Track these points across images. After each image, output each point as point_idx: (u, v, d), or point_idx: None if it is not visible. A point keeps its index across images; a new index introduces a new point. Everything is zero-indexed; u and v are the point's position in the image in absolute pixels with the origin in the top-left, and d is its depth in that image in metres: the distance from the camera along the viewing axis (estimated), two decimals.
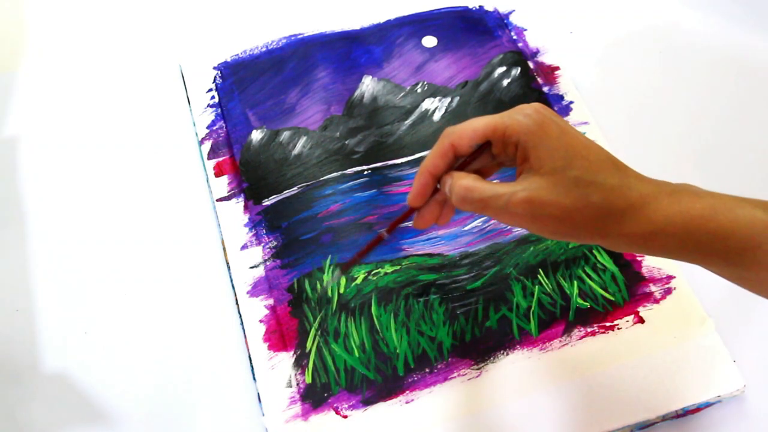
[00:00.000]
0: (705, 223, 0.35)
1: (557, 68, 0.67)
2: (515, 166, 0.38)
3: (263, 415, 0.49)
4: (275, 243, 0.56)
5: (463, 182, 0.38)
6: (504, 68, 0.66)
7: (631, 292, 0.54)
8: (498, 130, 0.37)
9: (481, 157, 0.40)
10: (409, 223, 0.42)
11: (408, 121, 0.63)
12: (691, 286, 0.54)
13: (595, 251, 0.56)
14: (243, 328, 0.53)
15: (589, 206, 0.35)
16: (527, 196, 0.36)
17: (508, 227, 0.57)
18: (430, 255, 0.56)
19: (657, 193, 0.36)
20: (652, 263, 0.55)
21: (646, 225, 0.36)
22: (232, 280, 0.55)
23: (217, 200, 0.59)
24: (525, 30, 0.70)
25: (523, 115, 0.37)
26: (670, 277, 0.54)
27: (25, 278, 0.56)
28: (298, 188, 0.59)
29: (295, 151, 0.61)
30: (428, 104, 0.64)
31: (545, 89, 0.65)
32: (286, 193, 0.59)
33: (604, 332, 0.52)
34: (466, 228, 0.57)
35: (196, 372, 0.52)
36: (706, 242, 0.35)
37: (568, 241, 0.37)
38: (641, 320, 0.53)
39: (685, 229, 0.35)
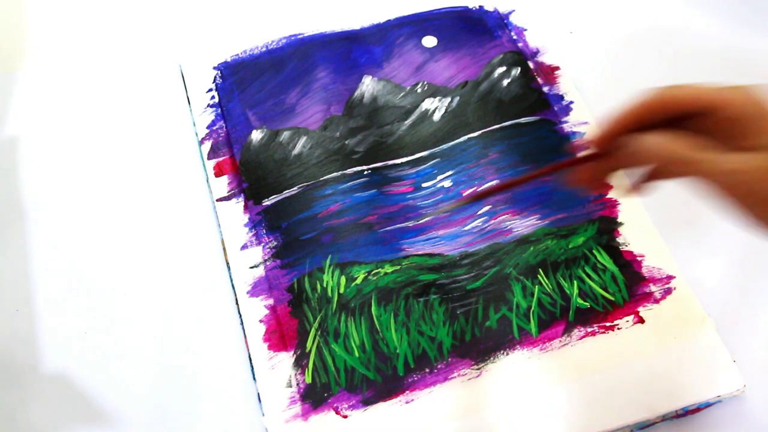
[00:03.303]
0: None
1: (557, 68, 0.67)
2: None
3: (263, 415, 0.49)
4: (275, 243, 0.56)
5: (675, 145, 0.36)
6: (504, 68, 0.66)
7: (631, 292, 0.54)
8: (717, 104, 0.36)
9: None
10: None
11: (408, 121, 0.63)
12: (691, 286, 0.54)
13: (595, 251, 0.56)
14: (243, 328, 0.53)
15: None
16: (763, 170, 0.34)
17: (508, 227, 0.57)
18: (430, 255, 0.56)
19: None
20: (652, 263, 0.55)
21: None
22: (232, 280, 0.55)
23: (217, 200, 0.59)
24: (525, 30, 0.70)
25: (747, 91, 0.36)
26: (670, 277, 0.54)
27: (25, 278, 0.56)
28: (298, 188, 0.59)
29: (295, 151, 0.61)
30: (428, 104, 0.64)
31: (545, 89, 0.65)
32: (286, 193, 0.59)
33: (604, 332, 0.52)
34: (466, 228, 0.57)
35: (196, 372, 0.52)
36: None
37: None
38: (641, 320, 0.53)
39: None
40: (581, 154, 0.39)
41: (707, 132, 0.37)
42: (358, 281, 0.54)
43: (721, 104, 0.36)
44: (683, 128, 0.37)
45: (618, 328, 0.52)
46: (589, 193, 0.41)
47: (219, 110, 0.64)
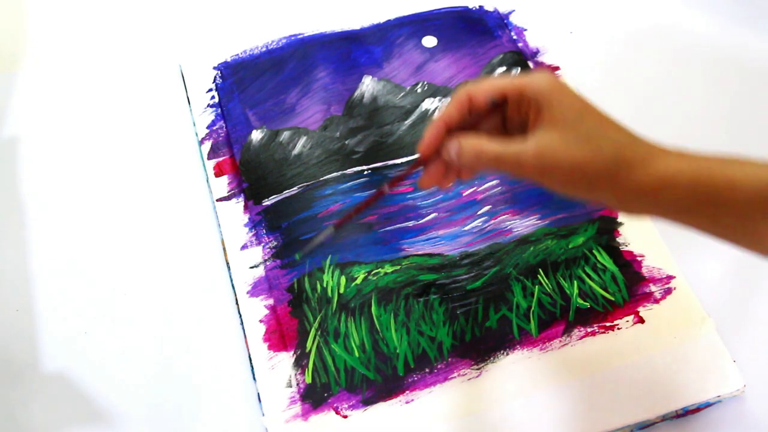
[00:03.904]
0: (713, 176, 0.36)
1: (557, 68, 0.67)
2: (522, 130, 0.40)
3: (263, 415, 0.49)
4: (275, 243, 0.56)
5: (475, 141, 0.39)
6: (504, 68, 0.66)
7: (631, 292, 0.54)
8: (516, 88, 0.39)
9: (490, 120, 0.41)
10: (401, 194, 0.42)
11: (408, 121, 0.63)
12: (691, 286, 0.54)
13: (595, 251, 0.56)
14: (243, 328, 0.53)
15: (600, 156, 0.37)
16: (539, 149, 0.37)
17: (508, 227, 0.57)
18: (430, 255, 0.56)
19: (666, 151, 0.37)
20: (652, 263, 0.55)
21: (656, 176, 0.36)
22: (232, 280, 0.55)
23: (217, 200, 0.59)
24: (525, 30, 0.70)
25: (542, 77, 0.39)
26: (670, 277, 0.54)
27: (25, 278, 0.55)
28: (298, 188, 0.59)
29: (295, 151, 0.61)
30: (428, 104, 0.64)
31: None
32: (286, 193, 0.59)
33: (604, 332, 0.52)
34: (466, 228, 0.57)
35: (196, 372, 0.52)
36: (714, 194, 0.36)
37: (579, 196, 0.38)
38: (641, 320, 0.53)
39: (694, 180, 0.36)
40: (413, 163, 0.42)
41: (519, 117, 0.40)
42: (358, 281, 0.54)
43: (520, 88, 0.39)
44: (504, 117, 0.41)
45: (618, 328, 0.52)
46: (444, 191, 0.44)
47: (219, 110, 0.64)
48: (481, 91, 0.40)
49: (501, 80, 0.40)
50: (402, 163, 0.61)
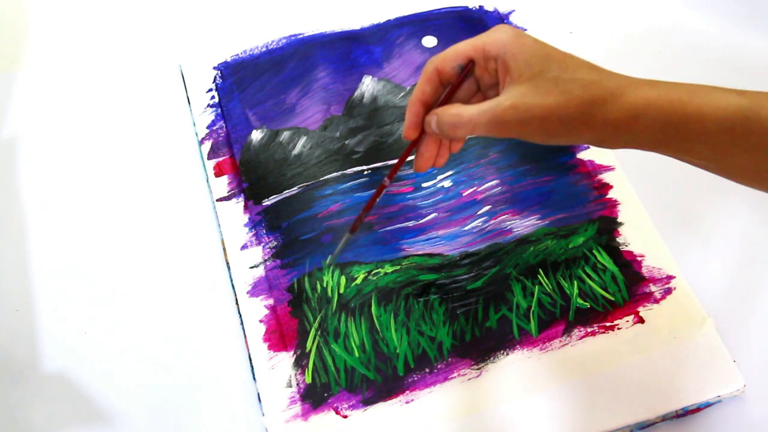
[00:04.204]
0: (683, 105, 0.37)
1: None
2: (497, 88, 0.41)
3: (263, 415, 0.49)
4: (275, 243, 0.56)
5: (450, 110, 0.41)
6: None
7: (631, 292, 0.54)
8: (478, 48, 0.40)
9: (465, 86, 0.42)
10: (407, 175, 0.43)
11: None
12: (691, 286, 0.54)
13: (595, 251, 0.56)
14: (243, 328, 0.53)
15: (573, 99, 0.37)
16: (512, 102, 0.38)
17: (508, 227, 0.57)
18: (430, 255, 0.56)
19: (635, 82, 0.38)
20: (652, 263, 0.55)
21: (628, 109, 0.37)
22: (232, 280, 0.55)
23: (217, 200, 0.59)
24: (525, 30, 0.70)
25: (501, 31, 0.40)
26: (670, 277, 0.54)
27: (25, 278, 0.55)
28: (298, 188, 0.59)
29: (295, 151, 0.61)
30: None
31: None
32: (286, 193, 0.59)
33: (604, 332, 0.52)
34: (466, 228, 0.57)
35: (196, 372, 0.52)
36: (685, 123, 0.37)
37: (558, 142, 0.39)
38: (641, 320, 0.53)
39: (664, 111, 0.37)
40: (406, 150, 0.44)
41: (489, 75, 0.41)
42: (358, 281, 0.54)
43: (482, 48, 0.40)
44: (477, 81, 0.42)
45: (618, 328, 0.52)
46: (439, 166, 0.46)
47: (219, 110, 0.64)
48: (447, 60, 0.41)
49: (463, 45, 0.41)
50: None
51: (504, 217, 0.58)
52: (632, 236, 0.57)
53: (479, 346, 0.52)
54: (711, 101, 0.36)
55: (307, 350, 0.52)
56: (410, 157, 0.45)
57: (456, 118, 0.40)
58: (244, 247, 0.56)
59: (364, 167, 0.60)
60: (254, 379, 0.51)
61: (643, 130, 0.38)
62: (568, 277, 0.55)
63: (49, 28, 0.71)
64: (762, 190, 0.40)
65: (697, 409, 0.50)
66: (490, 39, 0.40)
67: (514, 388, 0.50)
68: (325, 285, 0.54)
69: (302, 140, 0.62)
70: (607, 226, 0.57)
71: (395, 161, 0.62)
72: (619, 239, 0.57)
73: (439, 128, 0.41)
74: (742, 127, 0.36)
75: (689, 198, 0.60)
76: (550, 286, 0.54)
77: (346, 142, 0.62)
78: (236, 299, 0.54)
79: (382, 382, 0.50)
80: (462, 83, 0.42)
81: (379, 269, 0.55)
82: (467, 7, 0.71)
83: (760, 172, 0.38)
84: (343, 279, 0.54)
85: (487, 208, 0.58)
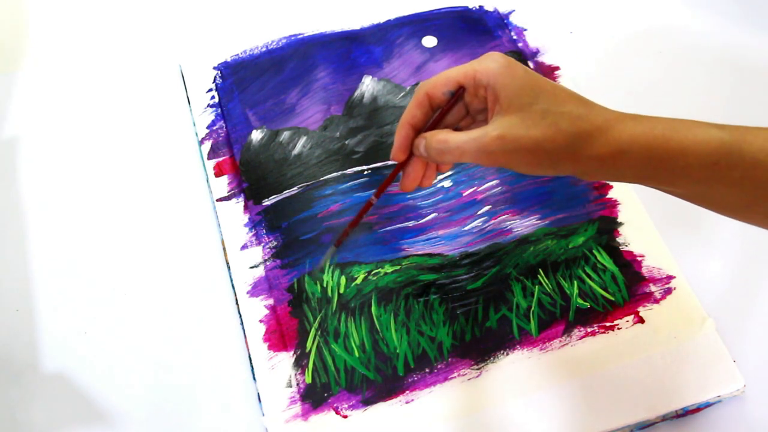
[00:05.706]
0: (666, 140, 0.37)
1: (557, 68, 0.67)
2: (486, 113, 0.41)
3: (263, 415, 0.49)
4: (275, 243, 0.56)
5: (438, 136, 0.41)
6: None
7: (631, 292, 0.54)
8: (469, 75, 0.40)
9: (454, 111, 0.42)
10: (395, 187, 0.45)
11: None
12: (691, 286, 0.54)
13: (595, 251, 0.56)
14: (243, 328, 0.53)
15: (559, 133, 0.38)
16: (500, 133, 0.38)
17: (508, 227, 0.57)
18: (430, 255, 0.56)
19: (621, 118, 0.38)
20: (652, 263, 0.55)
21: (614, 145, 0.37)
22: (232, 280, 0.55)
23: (217, 200, 0.59)
24: (525, 30, 0.70)
25: (491, 60, 0.40)
26: (670, 277, 0.54)
27: (25, 278, 0.56)
28: (298, 188, 0.59)
29: (295, 151, 0.61)
30: None
31: None
32: (286, 193, 0.59)
33: (604, 332, 0.52)
34: (466, 228, 0.57)
35: (196, 372, 0.52)
36: (669, 159, 0.37)
37: (544, 173, 0.40)
38: (641, 320, 0.53)
39: (648, 147, 0.37)
40: (393, 170, 0.44)
41: (479, 102, 0.41)
42: (358, 281, 0.54)
43: (472, 75, 0.40)
44: (466, 107, 0.43)
45: (618, 328, 0.52)
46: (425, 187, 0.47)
47: (219, 110, 0.64)
48: (437, 86, 0.41)
49: (454, 71, 0.41)
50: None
51: (504, 217, 0.58)
52: (632, 236, 0.57)
53: (479, 346, 0.52)
54: (693, 136, 0.37)
55: (307, 350, 0.52)
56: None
57: (443, 145, 0.40)
58: (244, 247, 0.56)
59: (364, 167, 0.60)
60: (254, 379, 0.51)
61: (628, 166, 0.38)
62: (568, 277, 0.55)
63: (49, 28, 0.71)
64: (746, 222, 0.40)
65: (697, 409, 0.50)
66: (481, 67, 0.40)
67: (514, 388, 0.50)
68: (325, 285, 0.54)
69: (302, 140, 0.62)
70: (607, 226, 0.57)
71: (394, 162, 0.62)
72: (619, 239, 0.57)
73: (426, 152, 0.42)
74: (725, 162, 0.36)
75: None
76: (550, 286, 0.54)
77: (346, 142, 0.62)
78: (236, 299, 0.54)
79: (382, 382, 0.50)
80: (452, 108, 0.42)
81: (379, 269, 0.55)
82: (467, 7, 0.71)
83: (743, 205, 0.39)
84: (343, 279, 0.54)
85: (487, 208, 0.58)
